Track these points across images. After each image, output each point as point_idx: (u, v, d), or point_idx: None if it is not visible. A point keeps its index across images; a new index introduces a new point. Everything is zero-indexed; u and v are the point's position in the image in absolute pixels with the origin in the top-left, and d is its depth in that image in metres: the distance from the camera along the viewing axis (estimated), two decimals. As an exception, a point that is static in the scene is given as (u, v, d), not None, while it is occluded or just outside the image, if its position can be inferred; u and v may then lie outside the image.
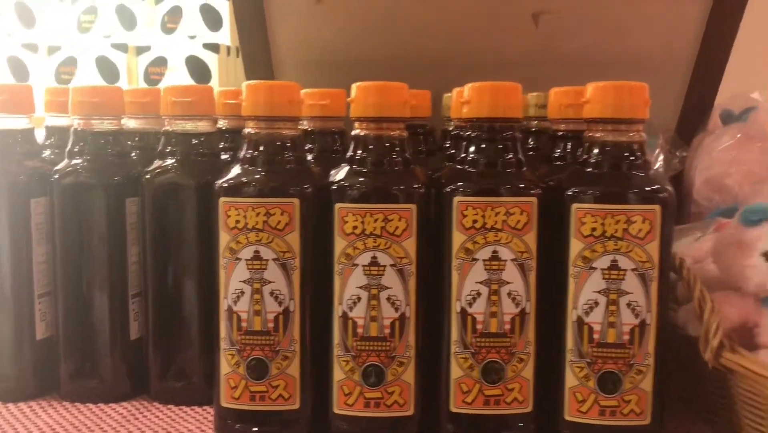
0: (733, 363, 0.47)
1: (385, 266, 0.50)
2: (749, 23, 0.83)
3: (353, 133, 0.51)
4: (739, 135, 0.79)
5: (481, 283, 0.49)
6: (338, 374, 0.51)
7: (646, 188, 0.48)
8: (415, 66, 0.74)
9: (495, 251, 0.49)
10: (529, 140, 0.66)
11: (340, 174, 0.51)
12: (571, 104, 0.55)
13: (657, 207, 0.48)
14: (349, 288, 0.50)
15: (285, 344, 0.50)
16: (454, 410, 0.50)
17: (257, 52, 0.88)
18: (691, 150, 0.85)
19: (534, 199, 0.49)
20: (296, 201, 0.49)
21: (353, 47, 0.83)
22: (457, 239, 0.49)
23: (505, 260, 0.49)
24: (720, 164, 0.78)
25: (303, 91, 0.63)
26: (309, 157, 0.62)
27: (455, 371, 0.50)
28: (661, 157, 0.84)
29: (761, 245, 0.49)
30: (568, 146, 0.57)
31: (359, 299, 0.50)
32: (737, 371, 0.47)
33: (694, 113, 0.87)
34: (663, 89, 0.86)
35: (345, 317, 0.50)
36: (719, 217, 0.70)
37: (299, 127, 0.63)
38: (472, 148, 0.50)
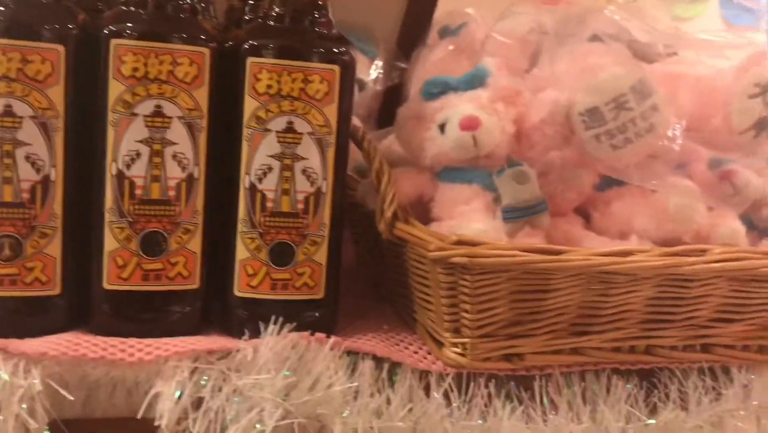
0: (404, 233, 0.46)
1: (23, 118, 0.41)
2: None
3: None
4: (450, 47, 0.80)
5: (141, 142, 0.43)
6: (-40, 246, 0.42)
7: (330, 48, 0.45)
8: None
9: (158, 106, 0.43)
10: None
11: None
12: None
13: (337, 68, 0.45)
14: None
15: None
16: (108, 286, 0.44)
17: None
18: (411, 63, 0.85)
19: (206, 50, 0.44)
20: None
21: None
22: (114, 89, 0.42)
23: (171, 117, 0.43)
24: (432, 75, 0.79)
25: None
26: None
27: (110, 243, 0.44)
28: (381, 64, 0.83)
29: (439, 117, 0.49)
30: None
31: (-14, 153, 0.41)
32: (409, 241, 0.46)
33: (415, 27, 0.87)
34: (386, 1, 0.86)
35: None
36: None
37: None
38: (137, -13, 0.44)
